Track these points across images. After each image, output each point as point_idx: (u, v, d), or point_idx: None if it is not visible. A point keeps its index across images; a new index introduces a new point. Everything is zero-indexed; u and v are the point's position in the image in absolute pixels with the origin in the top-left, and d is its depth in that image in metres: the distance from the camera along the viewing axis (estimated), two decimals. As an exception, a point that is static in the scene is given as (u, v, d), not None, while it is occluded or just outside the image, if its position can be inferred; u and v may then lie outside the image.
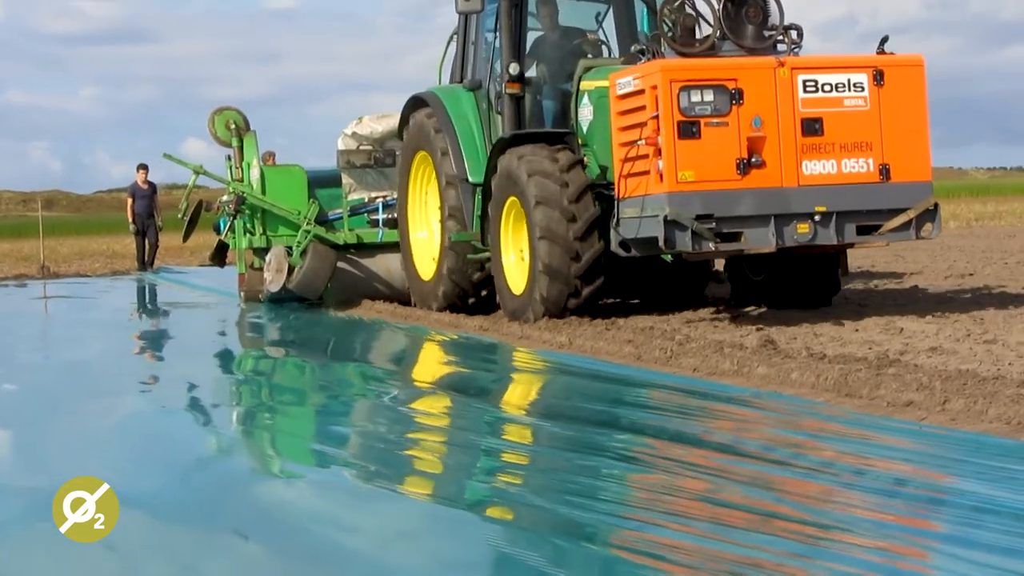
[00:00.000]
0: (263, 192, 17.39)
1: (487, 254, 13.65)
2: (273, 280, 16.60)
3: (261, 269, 17.29)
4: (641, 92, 11.43)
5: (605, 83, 12.41)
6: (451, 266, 14.33)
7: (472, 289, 14.42)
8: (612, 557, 4.99)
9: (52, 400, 9.79)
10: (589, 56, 13.78)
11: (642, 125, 11.32)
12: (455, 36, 15.00)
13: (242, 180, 17.74)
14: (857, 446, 6.95)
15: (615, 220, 11.76)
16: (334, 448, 7.74)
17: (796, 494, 5.85)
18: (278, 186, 17.45)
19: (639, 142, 11.36)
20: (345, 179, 17.46)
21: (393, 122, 16.38)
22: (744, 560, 4.81)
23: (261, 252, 17.43)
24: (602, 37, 14.53)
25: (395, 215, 16.15)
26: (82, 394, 10.11)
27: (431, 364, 12.22)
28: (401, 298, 16.12)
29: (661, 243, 11.09)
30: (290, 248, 16.83)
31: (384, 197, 17.17)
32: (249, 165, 17.79)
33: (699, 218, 11.13)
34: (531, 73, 13.91)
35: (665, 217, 11.04)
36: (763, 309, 13.03)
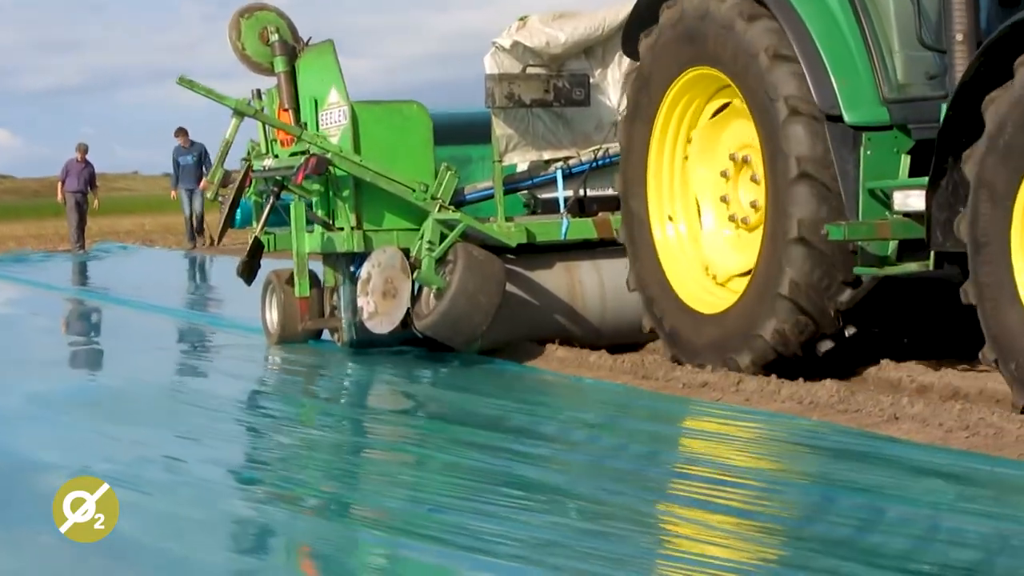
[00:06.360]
0: (356, 150, 9.85)
1: (903, 268, 7.47)
2: (379, 312, 9.43)
3: (333, 289, 10.24)
4: None
5: None
6: (802, 280, 7.70)
7: (832, 326, 7.87)
8: (403, 543, 5.01)
9: None
10: None
11: None
12: None
13: (304, 128, 10.12)
14: (652, 427, 7.09)
15: None
16: (134, 439, 7.64)
17: (591, 476, 5.95)
18: (382, 141, 9.91)
19: None
20: (499, 128, 9.93)
21: (589, 24, 9.98)
22: (537, 541, 4.88)
23: (340, 259, 10.02)
24: None
25: (585, 192, 10.19)
26: None
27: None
28: (598, 341, 9.63)
29: None
30: (408, 252, 9.60)
31: (566, 160, 10.23)
32: (317, 102, 10.20)
33: None
34: None
35: None
36: None
